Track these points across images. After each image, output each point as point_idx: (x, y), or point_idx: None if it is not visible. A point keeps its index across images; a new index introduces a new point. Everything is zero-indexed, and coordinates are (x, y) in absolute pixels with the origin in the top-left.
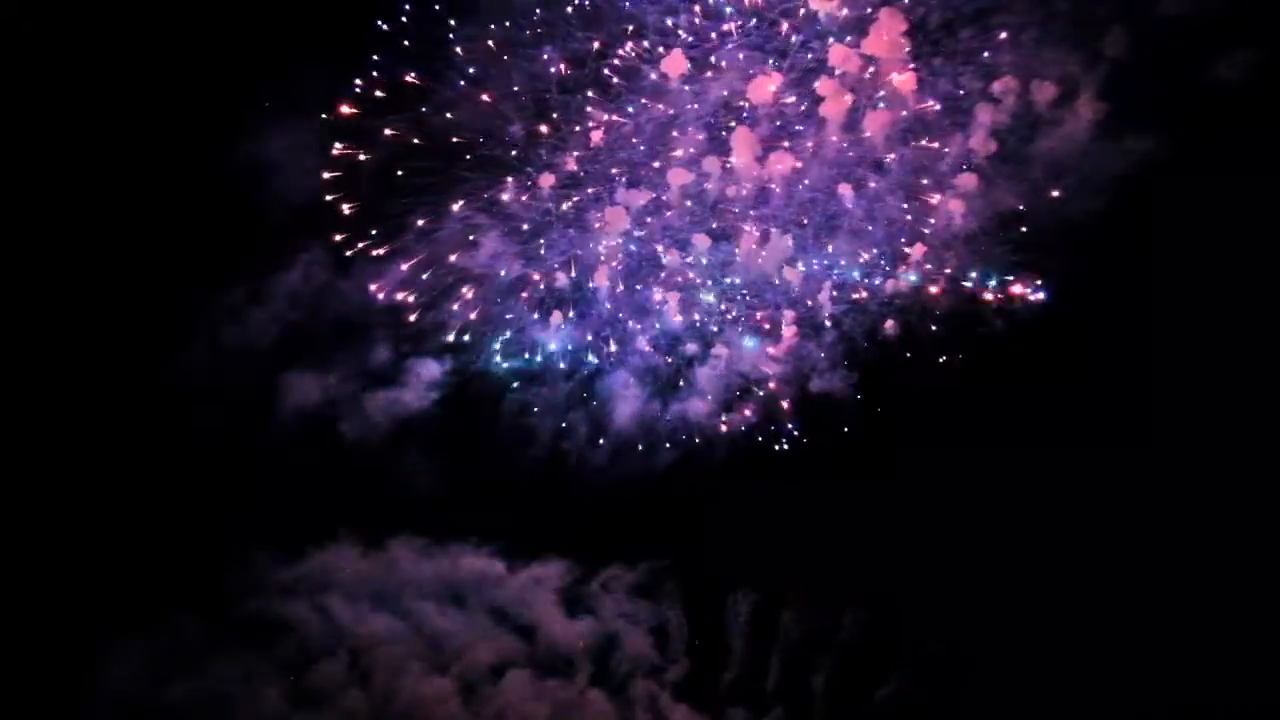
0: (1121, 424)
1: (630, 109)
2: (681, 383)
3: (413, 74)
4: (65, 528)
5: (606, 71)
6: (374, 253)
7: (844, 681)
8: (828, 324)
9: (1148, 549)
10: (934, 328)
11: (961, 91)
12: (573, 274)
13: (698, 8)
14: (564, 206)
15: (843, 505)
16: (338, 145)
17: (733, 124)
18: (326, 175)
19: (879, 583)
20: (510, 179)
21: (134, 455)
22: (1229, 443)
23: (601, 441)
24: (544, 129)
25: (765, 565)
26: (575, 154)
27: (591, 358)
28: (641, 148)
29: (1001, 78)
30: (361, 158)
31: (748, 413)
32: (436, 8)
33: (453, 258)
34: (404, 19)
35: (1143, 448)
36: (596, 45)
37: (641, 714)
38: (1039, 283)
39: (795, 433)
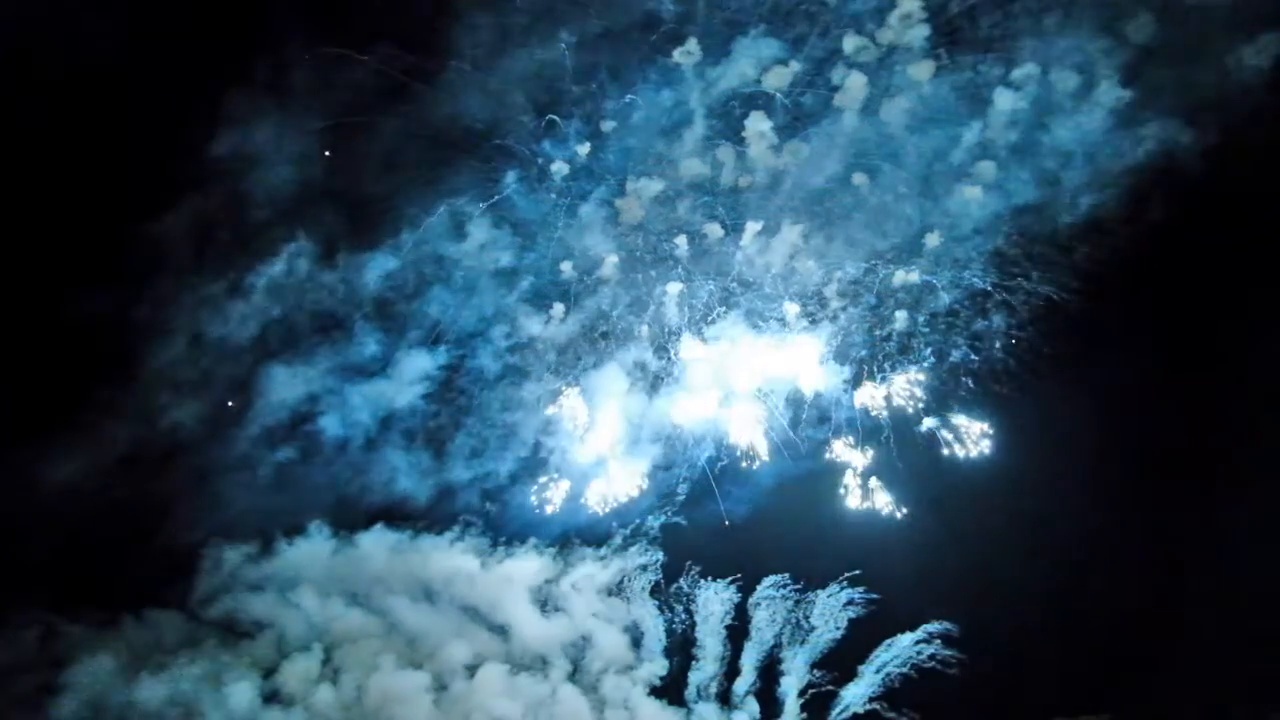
0: (1129, 425)
1: (643, 98)
2: (673, 377)
3: (414, 59)
4: (37, 522)
5: (619, 59)
6: (364, 243)
7: (815, 679)
8: (831, 318)
9: (1128, 547)
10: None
11: (980, 80)
12: (574, 265)
13: None
14: (572, 196)
15: (828, 504)
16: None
17: (747, 113)
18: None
19: (855, 581)
20: (514, 169)
21: (107, 449)
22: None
23: (583, 438)
24: (554, 117)
25: (742, 563)
26: (586, 143)
27: (582, 352)
28: (653, 137)
29: (1022, 65)
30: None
31: (737, 408)
32: None
33: (448, 248)
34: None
35: (1145, 449)
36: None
37: (613, 710)
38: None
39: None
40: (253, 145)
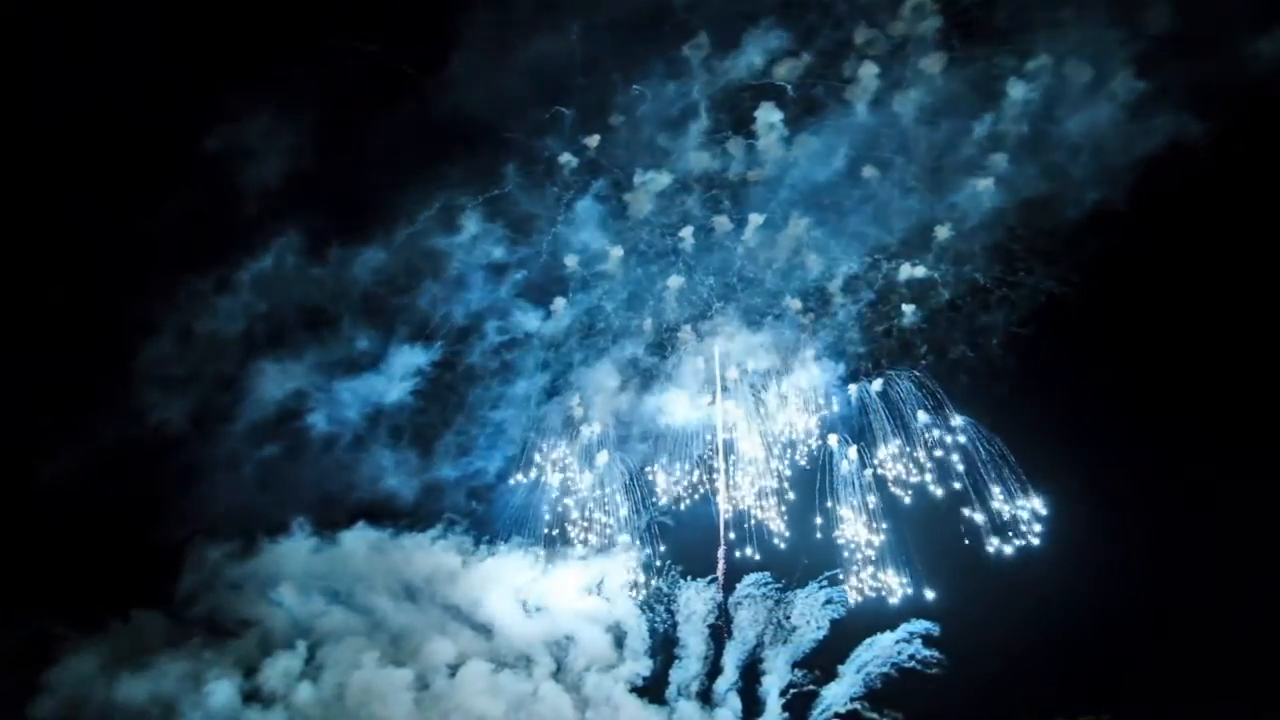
0: (1126, 421)
1: (651, 90)
2: (666, 374)
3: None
4: (19, 525)
5: (627, 51)
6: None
7: (796, 678)
8: (831, 314)
9: (1127, 548)
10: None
11: (993, 71)
12: (577, 259)
13: None
14: (576, 190)
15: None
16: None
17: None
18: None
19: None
20: (517, 162)
21: (90, 445)
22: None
23: (573, 434)
24: (562, 109)
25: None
26: (594, 136)
27: (576, 348)
28: (661, 129)
29: (1036, 56)
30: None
31: (730, 406)
32: None
33: (444, 243)
34: None
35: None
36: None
37: (595, 709)
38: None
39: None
40: (247, 139)
